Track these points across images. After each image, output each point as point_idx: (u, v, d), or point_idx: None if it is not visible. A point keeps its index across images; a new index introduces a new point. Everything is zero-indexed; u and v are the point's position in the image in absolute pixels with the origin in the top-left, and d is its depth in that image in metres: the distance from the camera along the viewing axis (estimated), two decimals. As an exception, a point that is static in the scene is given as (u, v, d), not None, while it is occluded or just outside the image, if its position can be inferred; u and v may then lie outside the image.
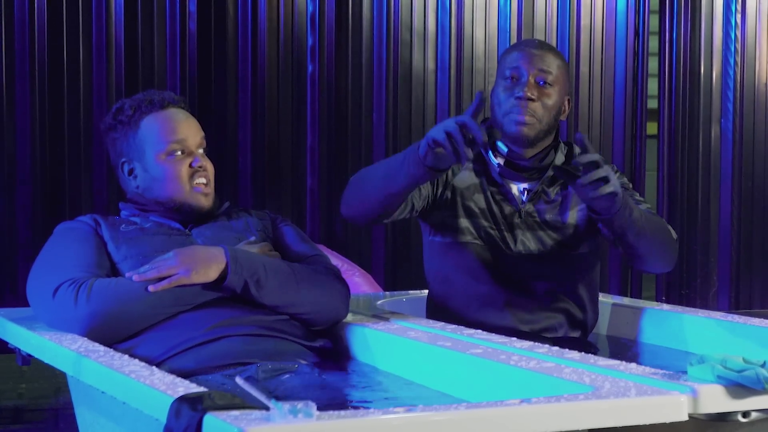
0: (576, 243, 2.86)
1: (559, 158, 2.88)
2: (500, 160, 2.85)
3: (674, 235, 2.82)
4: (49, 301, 2.44)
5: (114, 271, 2.54)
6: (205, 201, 2.67)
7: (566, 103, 2.87)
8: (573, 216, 2.86)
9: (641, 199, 2.87)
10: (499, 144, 2.86)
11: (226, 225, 2.70)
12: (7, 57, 4.73)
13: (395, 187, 2.59)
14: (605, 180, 2.50)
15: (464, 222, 2.84)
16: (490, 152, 2.87)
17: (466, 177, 2.86)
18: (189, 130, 2.66)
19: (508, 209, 2.84)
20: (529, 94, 2.76)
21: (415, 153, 2.47)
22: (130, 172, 2.70)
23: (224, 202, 2.78)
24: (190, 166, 2.64)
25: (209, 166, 2.69)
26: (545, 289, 2.84)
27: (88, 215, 2.68)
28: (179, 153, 2.64)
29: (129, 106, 2.68)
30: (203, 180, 2.66)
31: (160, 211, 2.66)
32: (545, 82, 2.79)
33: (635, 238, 2.68)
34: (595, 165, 2.49)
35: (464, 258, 2.84)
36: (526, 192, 2.86)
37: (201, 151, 2.68)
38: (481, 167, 2.87)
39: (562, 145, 2.91)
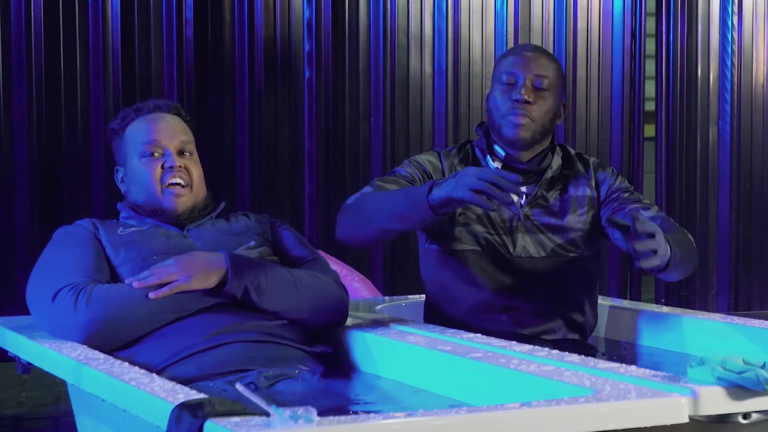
0: (576, 246, 2.86)
1: (556, 161, 2.88)
2: (498, 165, 2.86)
3: (694, 243, 2.78)
4: (48, 306, 2.43)
5: (113, 275, 2.54)
6: (178, 203, 2.64)
7: (562, 108, 2.87)
8: (573, 220, 2.86)
9: (647, 202, 2.87)
10: (497, 148, 2.86)
11: (225, 228, 2.70)
12: (4, 64, 4.73)
13: (396, 226, 2.61)
14: (654, 251, 2.37)
15: (462, 229, 2.83)
16: (488, 156, 2.87)
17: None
18: (166, 132, 2.65)
19: (507, 213, 2.84)
20: (526, 97, 2.77)
21: (423, 199, 2.47)
22: (122, 179, 2.72)
23: (220, 203, 2.77)
24: (162, 167, 2.64)
25: (193, 169, 2.67)
26: (544, 293, 2.84)
27: (86, 219, 2.68)
28: (154, 154, 2.64)
29: (122, 115, 2.71)
30: (177, 180, 2.63)
31: (148, 215, 2.66)
32: (541, 86, 2.80)
33: (672, 273, 2.59)
34: (650, 236, 2.37)
35: (462, 266, 2.84)
36: (524, 196, 2.86)
37: (182, 153, 2.66)
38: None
39: (557, 148, 2.92)
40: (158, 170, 2.63)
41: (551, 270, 2.84)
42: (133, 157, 2.65)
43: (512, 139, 2.80)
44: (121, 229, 2.62)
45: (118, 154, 2.72)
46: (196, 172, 2.68)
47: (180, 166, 2.63)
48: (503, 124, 2.80)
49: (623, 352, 2.90)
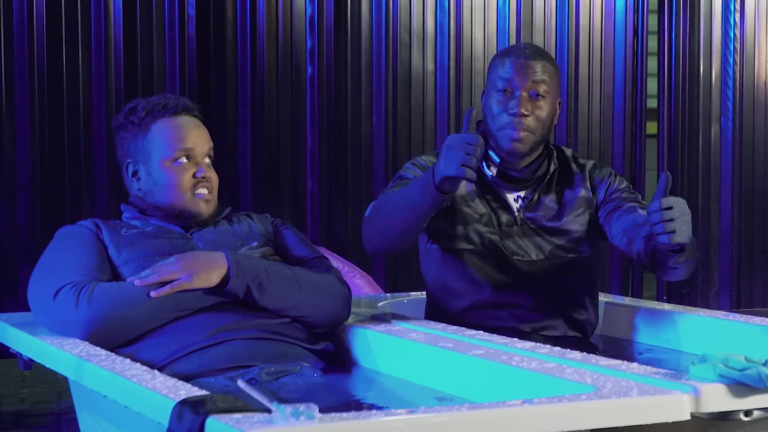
0: (575, 247, 2.85)
1: (552, 166, 2.87)
2: (493, 171, 2.84)
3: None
4: (49, 303, 2.44)
5: (115, 276, 2.54)
6: (205, 207, 2.66)
7: (557, 106, 2.85)
8: (570, 221, 2.85)
9: (643, 203, 2.86)
10: (491, 153, 2.84)
11: (227, 229, 2.70)
12: (7, 62, 4.73)
13: (414, 219, 2.64)
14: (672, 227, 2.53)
15: (462, 229, 2.83)
16: (484, 164, 2.85)
17: (462, 185, 2.84)
18: (198, 139, 2.65)
19: (505, 217, 2.83)
20: (522, 111, 2.74)
21: (430, 182, 2.52)
22: (134, 174, 2.69)
23: (225, 207, 2.77)
24: (194, 176, 2.64)
25: (213, 177, 2.68)
26: (545, 294, 2.84)
27: (89, 219, 2.68)
28: (185, 161, 2.63)
29: (142, 108, 2.66)
30: (205, 190, 2.65)
31: (160, 216, 2.65)
32: (538, 94, 2.76)
33: (685, 266, 2.65)
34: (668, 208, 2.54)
35: (463, 264, 2.84)
36: (521, 200, 2.85)
37: (207, 161, 2.67)
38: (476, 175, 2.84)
39: (553, 151, 2.89)
40: (190, 179, 2.63)
41: (550, 272, 2.83)
42: (158, 157, 2.63)
43: (509, 151, 2.79)
44: (124, 229, 2.62)
45: (135, 149, 2.66)
46: (215, 179, 2.69)
47: (209, 177, 2.65)
48: (500, 136, 2.79)
49: (625, 349, 2.89)
